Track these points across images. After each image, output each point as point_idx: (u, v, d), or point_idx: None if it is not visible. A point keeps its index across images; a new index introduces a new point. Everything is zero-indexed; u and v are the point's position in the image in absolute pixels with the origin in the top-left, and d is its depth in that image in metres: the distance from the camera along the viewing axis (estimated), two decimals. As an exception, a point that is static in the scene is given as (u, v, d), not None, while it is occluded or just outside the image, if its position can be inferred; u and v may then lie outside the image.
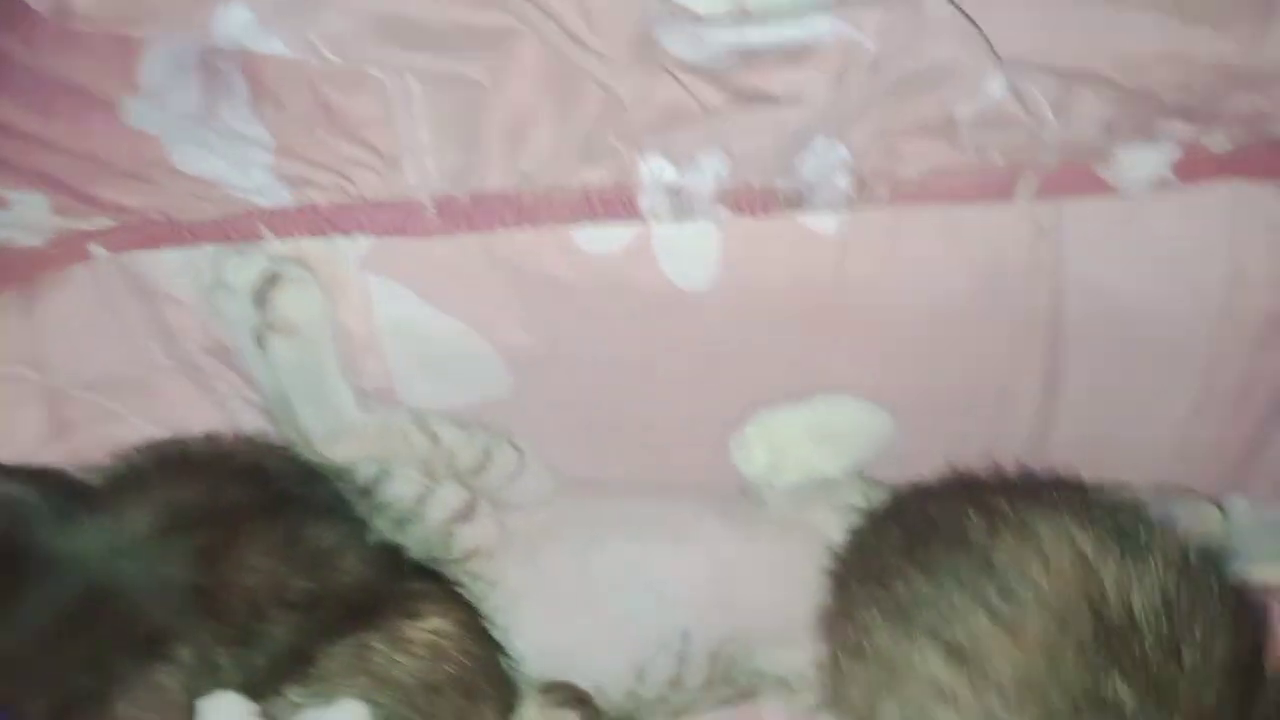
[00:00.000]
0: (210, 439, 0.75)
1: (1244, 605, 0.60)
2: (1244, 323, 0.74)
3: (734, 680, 0.80)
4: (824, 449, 0.73)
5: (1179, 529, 0.62)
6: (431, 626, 0.74)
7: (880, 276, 0.72)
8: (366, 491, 0.77)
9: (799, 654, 0.76)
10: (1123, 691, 0.54)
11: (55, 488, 0.68)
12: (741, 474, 0.74)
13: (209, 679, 0.69)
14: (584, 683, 0.76)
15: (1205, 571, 0.60)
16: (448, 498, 0.76)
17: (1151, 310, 0.74)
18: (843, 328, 0.73)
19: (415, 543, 0.77)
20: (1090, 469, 0.71)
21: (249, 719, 0.67)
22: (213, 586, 0.67)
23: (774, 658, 0.79)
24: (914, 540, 0.65)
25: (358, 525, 0.77)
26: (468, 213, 0.71)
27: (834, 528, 0.75)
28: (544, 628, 0.78)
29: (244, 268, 0.69)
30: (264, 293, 0.67)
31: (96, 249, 0.73)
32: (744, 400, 0.76)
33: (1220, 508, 0.76)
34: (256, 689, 0.69)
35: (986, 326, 0.73)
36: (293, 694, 0.70)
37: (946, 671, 0.59)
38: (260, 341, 0.68)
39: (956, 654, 0.59)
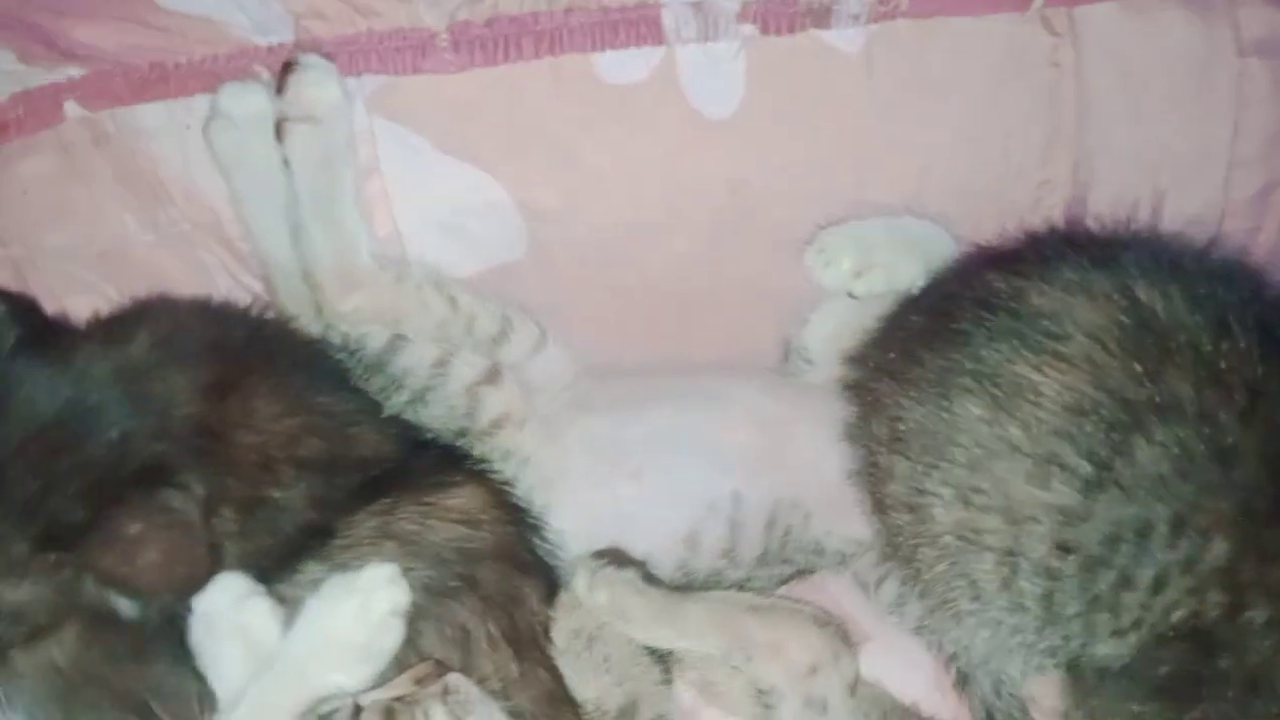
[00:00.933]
0: (200, 301, 0.67)
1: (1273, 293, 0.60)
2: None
3: (791, 559, 0.72)
4: (906, 254, 0.69)
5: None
6: (462, 496, 0.66)
7: (906, 91, 0.70)
8: (378, 366, 0.69)
9: (856, 523, 0.70)
10: (1180, 389, 0.53)
11: (29, 309, 0.60)
12: (818, 279, 0.70)
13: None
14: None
15: (1231, 270, 0.60)
16: (472, 359, 0.69)
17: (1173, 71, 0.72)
18: (875, 149, 0.71)
19: (437, 415, 0.69)
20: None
21: (251, 597, 0.58)
22: (219, 427, 0.58)
23: (831, 528, 0.72)
24: (936, 319, 0.61)
25: (370, 402, 0.69)
26: (484, 43, 0.67)
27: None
28: (583, 502, 0.70)
29: (244, 94, 0.63)
30: (283, 80, 0.61)
31: (72, 107, 0.67)
32: (778, 239, 0.72)
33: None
34: (267, 574, 0.60)
35: (1016, 125, 0.71)
36: (310, 570, 0.61)
37: (994, 423, 0.55)
38: (280, 132, 0.61)
39: (1002, 400, 0.56)
